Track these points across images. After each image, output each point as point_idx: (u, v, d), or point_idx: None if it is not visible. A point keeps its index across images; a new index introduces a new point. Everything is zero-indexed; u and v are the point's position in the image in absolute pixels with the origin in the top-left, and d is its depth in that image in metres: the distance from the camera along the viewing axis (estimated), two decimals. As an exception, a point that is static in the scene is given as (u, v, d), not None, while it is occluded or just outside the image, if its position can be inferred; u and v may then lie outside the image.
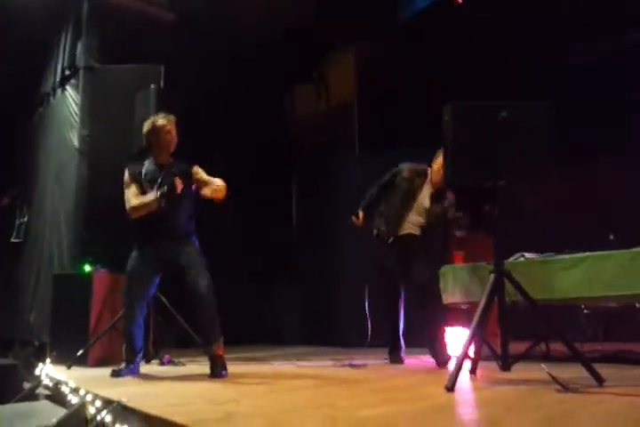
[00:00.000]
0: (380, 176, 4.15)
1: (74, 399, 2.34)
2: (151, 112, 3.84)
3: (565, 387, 2.33)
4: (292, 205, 7.49)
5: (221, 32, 5.86)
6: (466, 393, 2.47)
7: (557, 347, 3.18)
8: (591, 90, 4.99)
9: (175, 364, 3.92)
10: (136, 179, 3.35)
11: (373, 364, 3.84)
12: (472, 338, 2.65)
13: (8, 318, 5.50)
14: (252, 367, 3.78)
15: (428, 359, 3.86)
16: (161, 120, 3.37)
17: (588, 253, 3.52)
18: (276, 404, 2.20)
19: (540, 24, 5.23)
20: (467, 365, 2.79)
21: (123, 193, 3.34)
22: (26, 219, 5.84)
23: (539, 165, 2.80)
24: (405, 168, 4.07)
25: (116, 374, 3.19)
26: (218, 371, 3.14)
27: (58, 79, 5.52)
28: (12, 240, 5.85)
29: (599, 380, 2.47)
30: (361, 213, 4.08)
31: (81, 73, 5.13)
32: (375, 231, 4.09)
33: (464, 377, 2.75)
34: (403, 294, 3.98)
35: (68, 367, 3.55)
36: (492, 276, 2.74)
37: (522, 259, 3.84)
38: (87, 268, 4.19)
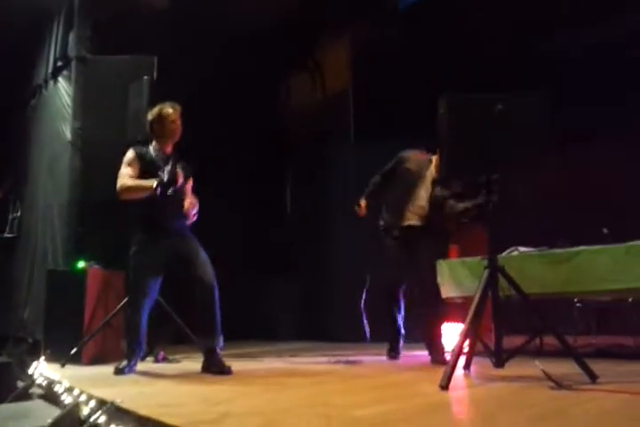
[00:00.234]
0: (376, 165, 4.02)
1: (68, 399, 2.33)
2: (144, 104, 3.78)
3: (559, 384, 2.34)
4: (285, 196, 7.45)
5: (214, 21, 5.78)
6: (460, 391, 2.47)
7: (551, 341, 3.18)
8: (587, 73, 4.99)
9: (170, 361, 3.92)
10: (143, 158, 3.26)
11: (368, 360, 3.84)
12: (466, 334, 2.65)
13: (1, 315, 5.46)
14: (247, 364, 3.75)
15: (423, 355, 3.83)
16: (168, 109, 3.31)
17: (582, 247, 3.52)
18: (270, 403, 2.20)
19: (538, 6, 5.20)
20: (461, 360, 2.79)
21: (119, 194, 3.22)
22: (19, 213, 5.79)
23: (535, 158, 2.78)
24: (409, 156, 3.92)
25: (119, 372, 3.13)
26: (224, 368, 3.08)
27: (50, 70, 5.45)
28: (5, 235, 5.79)
29: (592, 377, 2.47)
30: (363, 202, 3.94)
31: (73, 64, 5.06)
32: (381, 222, 3.96)
33: (458, 374, 2.75)
34: (404, 286, 3.90)
35: (62, 366, 3.51)
36: (486, 271, 2.74)
37: (516, 253, 3.85)
38: (81, 264, 4.15)
